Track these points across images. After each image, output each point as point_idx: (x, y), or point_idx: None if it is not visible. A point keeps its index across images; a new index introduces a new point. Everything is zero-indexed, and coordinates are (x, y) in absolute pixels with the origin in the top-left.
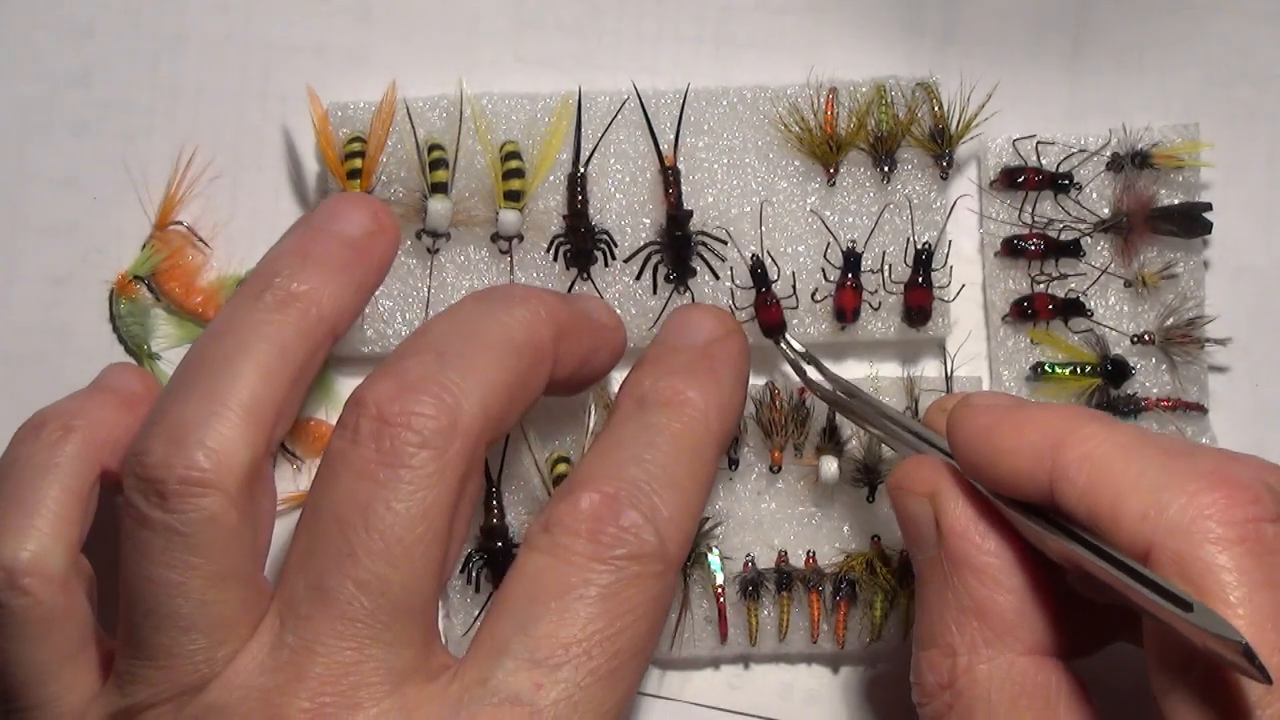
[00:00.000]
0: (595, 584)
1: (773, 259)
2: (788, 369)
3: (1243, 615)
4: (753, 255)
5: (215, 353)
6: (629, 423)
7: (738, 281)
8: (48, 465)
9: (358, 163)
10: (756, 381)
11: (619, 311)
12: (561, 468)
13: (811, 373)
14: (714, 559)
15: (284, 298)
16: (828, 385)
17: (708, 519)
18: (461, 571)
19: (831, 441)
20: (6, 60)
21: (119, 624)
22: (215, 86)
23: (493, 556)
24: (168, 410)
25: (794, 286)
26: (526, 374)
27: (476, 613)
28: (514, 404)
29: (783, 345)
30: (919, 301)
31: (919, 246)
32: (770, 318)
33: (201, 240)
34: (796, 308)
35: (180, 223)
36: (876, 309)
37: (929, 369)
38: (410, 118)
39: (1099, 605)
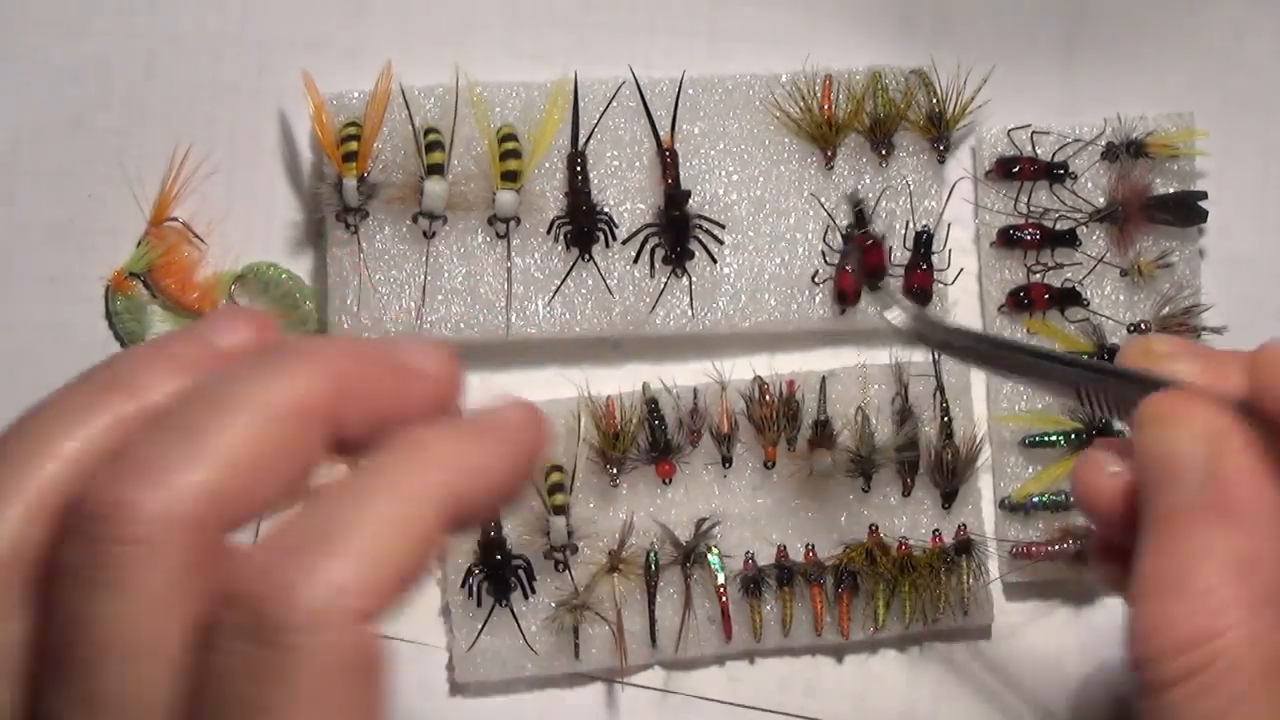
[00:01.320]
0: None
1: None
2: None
3: None
4: (851, 192)
5: None
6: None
7: (829, 241)
8: None
9: (353, 145)
10: (745, 377)
11: (618, 294)
12: (556, 476)
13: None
14: (714, 559)
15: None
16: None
17: (705, 519)
18: (462, 586)
19: (823, 435)
20: (2, 57)
21: None
22: (210, 83)
23: (492, 570)
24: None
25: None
26: (286, 442)
27: (479, 626)
28: (268, 477)
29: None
30: (920, 282)
31: (919, 230)
32: (875, 258)
33: (197, 236)
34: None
35: (176, 219)
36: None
37: (916, 354)
38: (406, 102)
39: None
